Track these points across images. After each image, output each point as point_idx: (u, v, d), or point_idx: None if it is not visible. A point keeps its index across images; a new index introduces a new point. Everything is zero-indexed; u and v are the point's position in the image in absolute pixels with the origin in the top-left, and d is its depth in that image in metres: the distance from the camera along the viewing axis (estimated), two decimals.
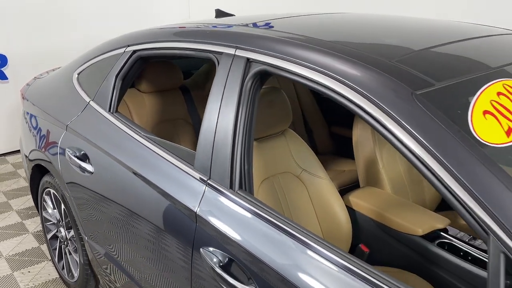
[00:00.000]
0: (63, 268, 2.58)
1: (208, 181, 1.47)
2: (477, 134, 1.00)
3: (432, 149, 0.99)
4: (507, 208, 0.88)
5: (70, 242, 2.43)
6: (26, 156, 2.67)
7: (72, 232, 2.35)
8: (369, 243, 1.95)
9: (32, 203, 3.53)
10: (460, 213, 0.93)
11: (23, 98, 2.84)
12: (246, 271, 1.29)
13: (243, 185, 1.42)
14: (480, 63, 1.32)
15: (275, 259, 1.24)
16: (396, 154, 2.23)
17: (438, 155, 0.98)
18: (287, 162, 1.93)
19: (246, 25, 1.75)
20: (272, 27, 1.68)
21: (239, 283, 1.28)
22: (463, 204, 0.93)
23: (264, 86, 1.59)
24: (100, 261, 2.12)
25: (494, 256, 0.87)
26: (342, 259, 1.14)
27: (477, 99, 1.09)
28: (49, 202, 2.55)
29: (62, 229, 2.48)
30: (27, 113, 2.71)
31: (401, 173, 2.20)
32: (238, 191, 1.40)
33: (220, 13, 2.55)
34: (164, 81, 2.53)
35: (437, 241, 1.76)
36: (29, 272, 2.72)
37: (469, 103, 1.08)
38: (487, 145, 0.99)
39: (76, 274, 2.42)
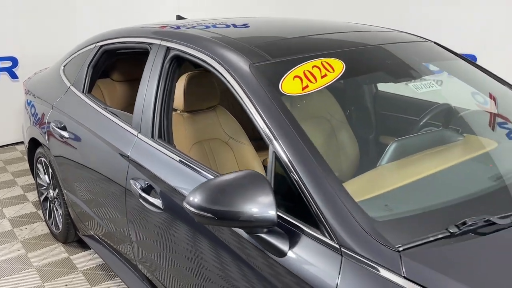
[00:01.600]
0: (52, 223, 3.20)
1: (138, 134, 2.07)
2: (281, 89, 1.58)
3: (251, 97, 1.57)
4: (278, 127, 1.46)
5: (56, 200, 3.05)
6: (25, 135, 3.31)
7: (57, 190, 2.97)
8: None
9: (33, 181, 4.17)
10: (259, 132, 1.51)
11: (25, 89, 3.50)
12: (155, 189, 1.88)
13: (162, 135, 2.01)
14: (321, 47, 1.89)
15: (172, 179, 1.82)
16: (317, 128, 2.79)
17: (253, 100, 1.56)
18: (216, 131, 2.51)
19: (177, 26, 2.35)
20: (194, 27, 2.28)
21: (151, 197, 1.87)
22: (261, 126, 1.50)
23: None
24: (72, 204, 2.74)
25: (270, 154, 1.45)
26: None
27: (294, 69, 1.66)
28: (41, 170, 3.17)
29: (50, 190, 3.10)
30: (28, 102, 3.36)
31: (320, 144, 2.76)
32: (157, 139, 1.99)
33: (179, 18, 3.17)
34: (133, 72, 3.15)
35: None
36: (26, 228, 3.35)
37: (288, 71, 1.66)
38: (285, 94, 1.57)
39: (60, 226, 3.04)
